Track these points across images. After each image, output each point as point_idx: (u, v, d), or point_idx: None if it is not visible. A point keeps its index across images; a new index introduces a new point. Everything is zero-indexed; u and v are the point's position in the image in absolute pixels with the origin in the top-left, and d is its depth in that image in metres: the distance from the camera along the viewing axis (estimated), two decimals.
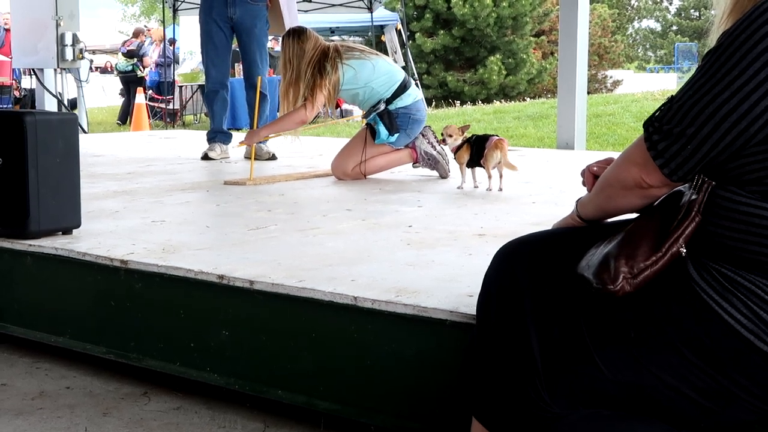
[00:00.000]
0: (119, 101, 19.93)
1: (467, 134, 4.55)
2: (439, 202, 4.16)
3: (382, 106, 5.07)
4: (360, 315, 2.31)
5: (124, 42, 18.54)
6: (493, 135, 4.47)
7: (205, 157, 6.32)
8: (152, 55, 18.40)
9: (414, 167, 5.21)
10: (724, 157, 1.49)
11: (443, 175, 5.07)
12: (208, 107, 6.61)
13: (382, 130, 5.08)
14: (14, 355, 3.11)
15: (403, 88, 5.11)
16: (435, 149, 5.11)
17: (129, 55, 18.32)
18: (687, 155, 1.50)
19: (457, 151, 4.54)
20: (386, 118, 5.08)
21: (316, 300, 2.38)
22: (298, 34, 5.14)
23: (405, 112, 5.10)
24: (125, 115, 17.63)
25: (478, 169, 4.53)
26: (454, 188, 4.58)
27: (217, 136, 6.46)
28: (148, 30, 19.92)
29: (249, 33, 6.32)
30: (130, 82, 17.89)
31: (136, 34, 18.78)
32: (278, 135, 5.53)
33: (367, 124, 5.23)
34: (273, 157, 6.28)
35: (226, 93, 6.45)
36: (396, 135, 5.08)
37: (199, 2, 6.71)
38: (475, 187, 4.53)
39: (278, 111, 5.45)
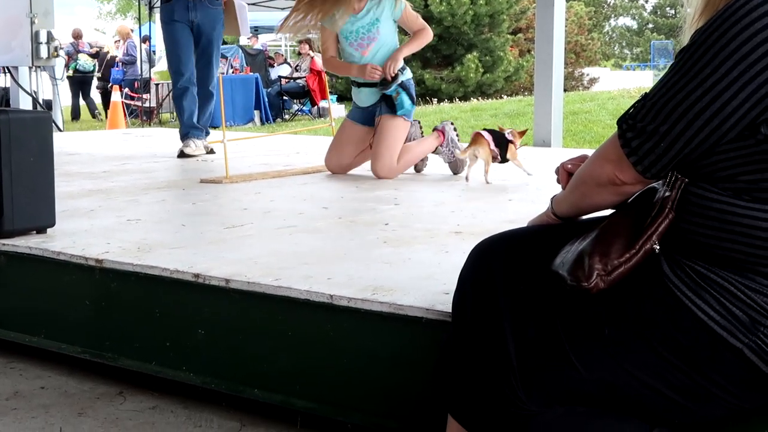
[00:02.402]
0: (95, 99, 20.04)
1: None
2: (415, 200, 4.16)
3: (402, 76, 4.92)
4: (336, 313, 2.30)
5: (77, 43, 18.64)
6: (480, 130, 4.63)
7: (182, 154, 6.34)
8: (118, 52, 18.56)
9: (434, 152, 5.09)
10: (697, 154, 1.49)
11: (455, 171, 5.01)
12: (178, 105, 6.68)
13: (406, 100, 4.91)
14: None
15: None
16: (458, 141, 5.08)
17: (95, 55, 18.65)
18: (660, 152, 1.51)
19: None
20: (407, 90, 4.95)
21: (292, 298, 2.38)
22: None
23: (411, 83, 5.04)
24: (77, 112, 18.59)
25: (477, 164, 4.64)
26: (431, 186, 4.59)
27: (191, 131, 6.50)
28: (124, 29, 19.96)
29: (209, 35, 6.49)
30: (85, 82, 18.70)
31: (77, 35, 18.89)
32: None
33: (383, 101, 4.97)
34: (211, 152, 6.45)
35: (195, 90, 6.57)
36: (413, 106, 5.00)
37: None
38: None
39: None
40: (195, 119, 6.55)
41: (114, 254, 2.83)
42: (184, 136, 6.48)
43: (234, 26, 6.74)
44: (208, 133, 6.72)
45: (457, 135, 5.08)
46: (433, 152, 5.08)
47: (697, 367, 1.51)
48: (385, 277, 2.49)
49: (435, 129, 5.09)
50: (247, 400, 2.51)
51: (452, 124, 5.16)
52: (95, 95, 20.03)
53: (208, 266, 2.64)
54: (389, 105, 4.93)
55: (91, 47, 19.27)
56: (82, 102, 19.43)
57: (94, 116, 18.18)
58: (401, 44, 5.04)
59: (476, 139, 4.55)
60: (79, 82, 18.54)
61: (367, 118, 5.09)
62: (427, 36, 5.01)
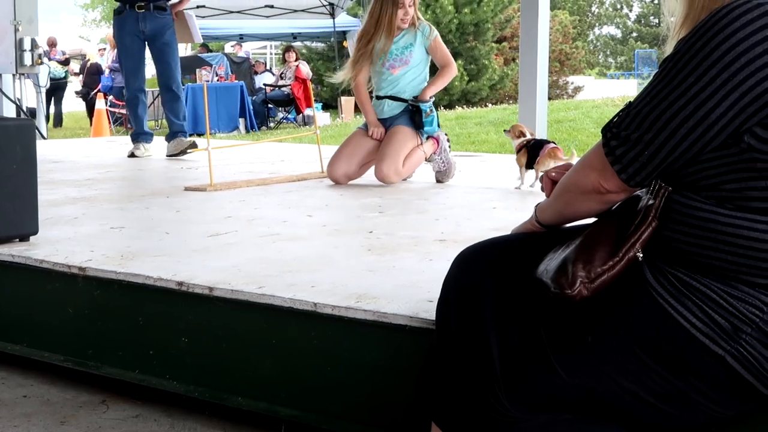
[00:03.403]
0: (80, 107, 20.10)
1: (527, 138, 4.72)
2: (400, 208, 4.16)
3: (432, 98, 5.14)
4: (320, 321, 2.30)
5: (50, 51, 18.74)
6: (549, 142, 4.65)
7: (132, 155, 7.04)
8: (106, 59, 18.62)
9: (427, 160, 5.16)
10: (680, 162, 1.50)
11: (441, 180, 5.10)
12: (131, 112, 7.23)
13: (435, 122, 5.11)
14: None
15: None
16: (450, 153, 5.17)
17: (65, 62, 18.90)
18: (644, 161, 1.51)
19: (519, 152, 4.69)
20: (435, 110, 5.14)
21: (276, 306, 2.37)
22: None
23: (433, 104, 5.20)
24: (60, 119, 18.76)
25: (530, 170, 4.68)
26: (415, 194, 4.59)
27: (140, 136, 7.11)
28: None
29: (160, 40, 6.93)
30: (58, 89, 18.80)
31: (51, 43, 19.08)
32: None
33: (409, 114, 5.11)
34: (193, 145, 6.82)
35: (145, 97, 7.17)
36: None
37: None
38: (531, 186, 4.63)
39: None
40: (145, 126, 7.14)
41: (97, 262, 2.82)
42: (135, 140, 7.13)
43: (186, 34, 7.27)
44: (189, 134, 7.14)
45: (449, 144, 5.14)
46: (427, 159, 5.12)
47: (679, 374, 1.51)
48: (369, 285, 2.49)
49: (429, 136, 5.12)
50: (231, 409, 2.50)
51: (446, 134, 5.23)
52: (78, 103, 20.08)
53: (191, 274, 2.63)
54: (416, 119, 5.05)
55: (63, 54, 19.45)
56: (65, 110, 19.51)
57: (56, 124, 18.27)
58: (429, 80, 5.20)
59: (553, 153, 4.57)
60: (52, 89, 18.65)
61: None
62: (453, 72, 5.21)
